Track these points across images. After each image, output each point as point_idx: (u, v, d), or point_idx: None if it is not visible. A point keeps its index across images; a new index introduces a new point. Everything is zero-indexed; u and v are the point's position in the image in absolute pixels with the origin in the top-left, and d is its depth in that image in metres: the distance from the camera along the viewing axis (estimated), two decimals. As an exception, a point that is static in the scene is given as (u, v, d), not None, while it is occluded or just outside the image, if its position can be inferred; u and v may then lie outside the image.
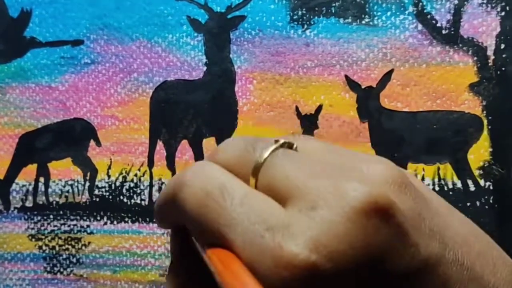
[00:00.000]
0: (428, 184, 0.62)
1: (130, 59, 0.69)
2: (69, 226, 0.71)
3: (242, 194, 0.19)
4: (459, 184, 0.62)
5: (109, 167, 0.70)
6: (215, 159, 0.21)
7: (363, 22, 0.62)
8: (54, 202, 0.72)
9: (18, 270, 0.73)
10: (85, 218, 0.71)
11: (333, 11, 0.63)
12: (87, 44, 0.70)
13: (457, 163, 0.61)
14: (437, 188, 0.62)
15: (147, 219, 0.69)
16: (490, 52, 0.60)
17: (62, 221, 0.71)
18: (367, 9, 0.62)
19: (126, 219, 0.69)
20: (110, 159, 0.70)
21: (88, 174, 0.71)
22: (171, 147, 0.69)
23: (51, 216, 0.72)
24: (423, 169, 0.63)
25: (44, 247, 0.72)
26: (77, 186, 0.71)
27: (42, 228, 0.72)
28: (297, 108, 0.64)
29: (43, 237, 0.72)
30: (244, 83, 0.66)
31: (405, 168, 0.63)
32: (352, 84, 0.63)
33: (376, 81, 0.62)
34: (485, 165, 0.61)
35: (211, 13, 0.67)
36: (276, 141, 0.20)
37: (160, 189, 0.69)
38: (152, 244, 0.68)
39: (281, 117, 0.65)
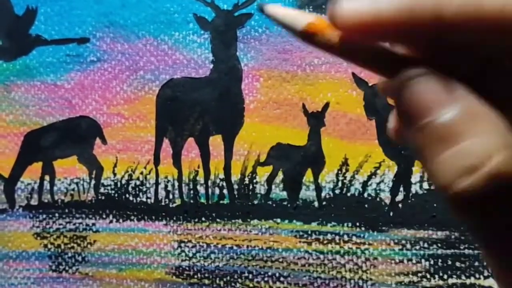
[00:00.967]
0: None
1: (136, 57, 0.69)
2: (74, 224, 0.71)
3: None
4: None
5: (115, 165, 0.70)
6: None
7: (370, 19, 0.62)
8: (60, 200, 0.72)
9: (23, 268, 0.72)
10: (90, 216, 0.70)
11: (340, 9, 0.63)
12: (93, 42, 0.70)
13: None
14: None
15: (153, 217, 0.69)
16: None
17: (67, 220, 0.71)
18: (374, 7, 0.63)
19: (132, 217, 0.69)
20: (116, 157, 0.70)
21: (94, 172, 0.71)
22: (177, 145, 0.68)
23: (57, 215, 0.71)
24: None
25: (49, 246, 0.72)
26: (83, 184, 0.71)
27: (48, 226, 0.72)
28: (304, 105, 0.64)
29: (48, 235, 0.72)
30: (250, 80, 0.66)
31: (412, 165, 0.64)
32: (359, 82, 0.63)
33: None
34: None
35: (218, 11, 0.67)
36: None
37: (166, 187, 0.69)
38: (158, 242, 0.68)
39: (288, 115, 0.65)
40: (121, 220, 0.70)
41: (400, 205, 0.63)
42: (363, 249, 0.63)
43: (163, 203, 0.69)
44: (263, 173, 0.66)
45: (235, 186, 0.67)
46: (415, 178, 0.63)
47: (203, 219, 0.67)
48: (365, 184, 0.64)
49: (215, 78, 0.67)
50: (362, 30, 0.18)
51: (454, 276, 0.62)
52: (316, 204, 0.65)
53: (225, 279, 0.66)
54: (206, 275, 0.67)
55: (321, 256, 0.64)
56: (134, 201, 0.70)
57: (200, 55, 0.67)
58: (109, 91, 0.70)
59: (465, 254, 0.62)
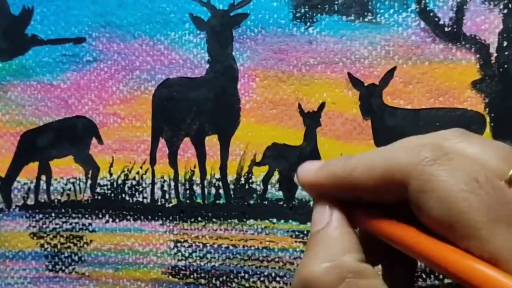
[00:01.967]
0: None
1: (132, 56, 0.69)
2: (71, 224, 0.71)
3: None
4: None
5: (111, 165, 0.70)
6: None
7: (366, 19, 0.62)
8: (56, 200, 0.72)
9: (20, 268, 0.72)
10: (87, 216, 0.70)
11: (335, 9, 0.63)
12: (89, 42, 0.70)
13: (459, 161, 0.61)
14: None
15: (149, 217, 0.69)
16: (492, 50, 0.60)
17: (64, 219, 0.71)
18: (369, 7, 0.63)
19: (128, 217, 0.69)
20: (112, 157, 0.70)
21: (90, 172, 0.71)
22: (173, 145, 0.68)
23: (53, 214, 0.72)
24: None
25: (45, 245, 0.72)
26: (79, 184, 0.71)
27: (44, 226, 0.72)
28: (299, 105, 0.64)
29: (44, 235, 0.72)
30: (246, 80, 0.66)
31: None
32: (355, 82, 0.63)
33: (379, 79, 0.62)
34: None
35: (214, 10, 0.67)
36: None
37: (162, 187, 0.69)
38: (154, 242, 0.68)
39: (284, 115, 0.65)
40: (117, 220, 0.70)
41: (396, 205, 0.63)
42: (359, 249, 0.63)
43: (159, 203, 0.69)
44: (259, 173, 0.66)
45: (231, 186, 0.67)
46: (411, 178, 0.63)
47: (199, 219, 0.67)
48: (361, 184, 0.64)
49: (211, 78, 0.67)
50: (313, 188, 0.30)
51: (450, 276, 0.62)
52: (311, 204, 0.65)
53: (221, 279, 0.66)
54: (202, 274, 0.67)
55: (317, 256, 0.64)
56: (130, 201, 0.70)
57: (196, 55, 0.67)
58: (105, 91, 0.70)
59: (461, 254, 0.62)
